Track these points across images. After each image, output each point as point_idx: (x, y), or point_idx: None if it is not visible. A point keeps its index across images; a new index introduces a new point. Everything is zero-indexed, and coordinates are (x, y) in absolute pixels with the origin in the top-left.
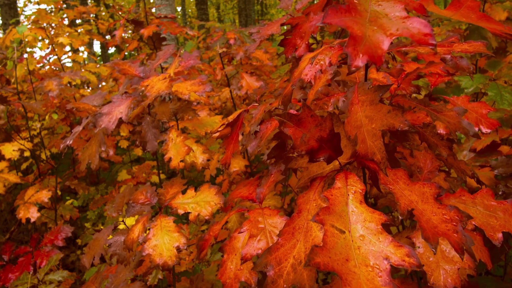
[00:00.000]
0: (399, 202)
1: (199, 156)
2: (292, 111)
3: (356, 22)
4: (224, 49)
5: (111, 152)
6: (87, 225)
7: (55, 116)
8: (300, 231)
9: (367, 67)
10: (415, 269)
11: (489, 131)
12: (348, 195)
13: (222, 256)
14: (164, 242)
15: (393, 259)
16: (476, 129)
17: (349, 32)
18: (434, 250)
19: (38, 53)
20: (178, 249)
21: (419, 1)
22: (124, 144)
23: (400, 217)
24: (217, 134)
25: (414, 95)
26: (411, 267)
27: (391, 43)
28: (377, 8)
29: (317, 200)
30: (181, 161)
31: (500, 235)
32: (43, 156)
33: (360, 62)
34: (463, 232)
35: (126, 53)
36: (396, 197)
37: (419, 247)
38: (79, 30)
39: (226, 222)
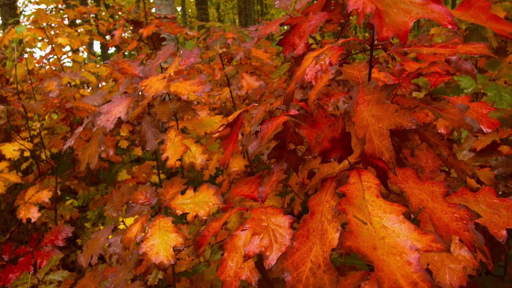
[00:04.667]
0: (410, 200)
1: (198, 157)
2: (293, 111)
3: (378, 1)
4: (224, 49)
5: (111, 152)
6: (87, 225)
7: (54, 116)
8: (315, 234)
9: (371, 66)
10: (443, 252)
11: (489, 130)
12: (364, 190)
13: (222, 254)
14: (161, 242)
15: (420, 246)
16: None
17: (375, 5)
18: (448, 249)
19: (38, 53)
20: (176, 250)
21: None
22: (124, 144)
23: (412, 216)
24: (217, 134)
25: (414, 94)
26: (440, 252)
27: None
28: None
29: (330, 201)
30: (178, 160)
31: (504, 232)
32: (43, 156)
33: (386, 34)
34: (474, 230)
35: (125, 53)
36: (407, 195)
37: None
38: (79, 30)
39: (226, 222)
